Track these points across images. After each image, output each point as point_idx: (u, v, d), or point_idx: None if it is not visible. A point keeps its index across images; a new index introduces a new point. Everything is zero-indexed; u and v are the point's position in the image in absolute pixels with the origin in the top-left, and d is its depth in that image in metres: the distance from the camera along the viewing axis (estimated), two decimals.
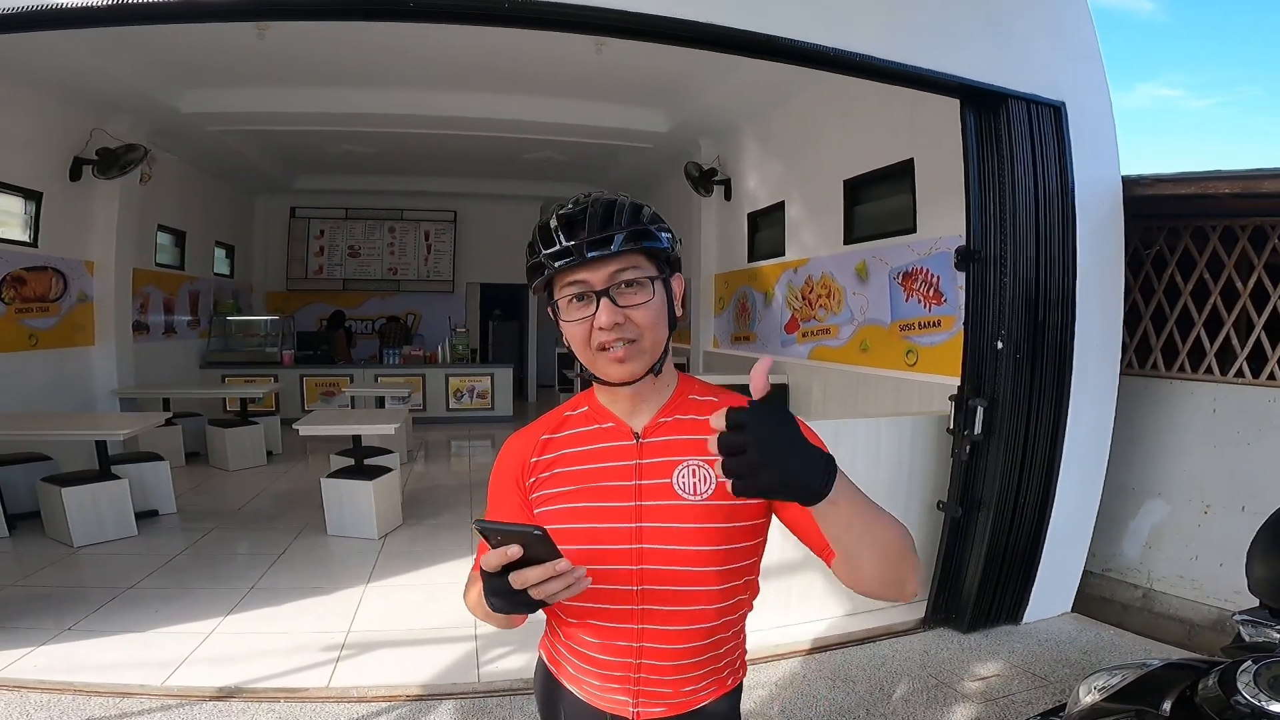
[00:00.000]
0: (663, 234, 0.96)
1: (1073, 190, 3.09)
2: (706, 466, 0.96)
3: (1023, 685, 2.79)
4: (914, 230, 4.14)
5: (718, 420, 0.69)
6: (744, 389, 0.78)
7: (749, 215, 6.23)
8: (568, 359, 9.18)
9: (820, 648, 3.09)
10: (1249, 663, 1.28)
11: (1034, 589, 3.29)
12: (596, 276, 0.92)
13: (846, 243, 4.79)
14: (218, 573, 3.84)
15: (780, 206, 5.68)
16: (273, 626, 3.21)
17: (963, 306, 3.24)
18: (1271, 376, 3.18)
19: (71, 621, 3.14)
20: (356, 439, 4.89)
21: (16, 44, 4.06)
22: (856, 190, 4.74)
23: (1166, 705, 1.34)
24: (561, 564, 0.79)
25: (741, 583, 0.99)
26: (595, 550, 0.95)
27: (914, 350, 4.16)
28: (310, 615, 3.34)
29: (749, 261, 6.24)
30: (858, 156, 4.63)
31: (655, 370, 0.97)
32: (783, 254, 5.63)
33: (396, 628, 3.22)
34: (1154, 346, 3.59)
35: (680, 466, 0.97)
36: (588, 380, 1.03)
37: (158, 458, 5.00)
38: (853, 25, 2.71)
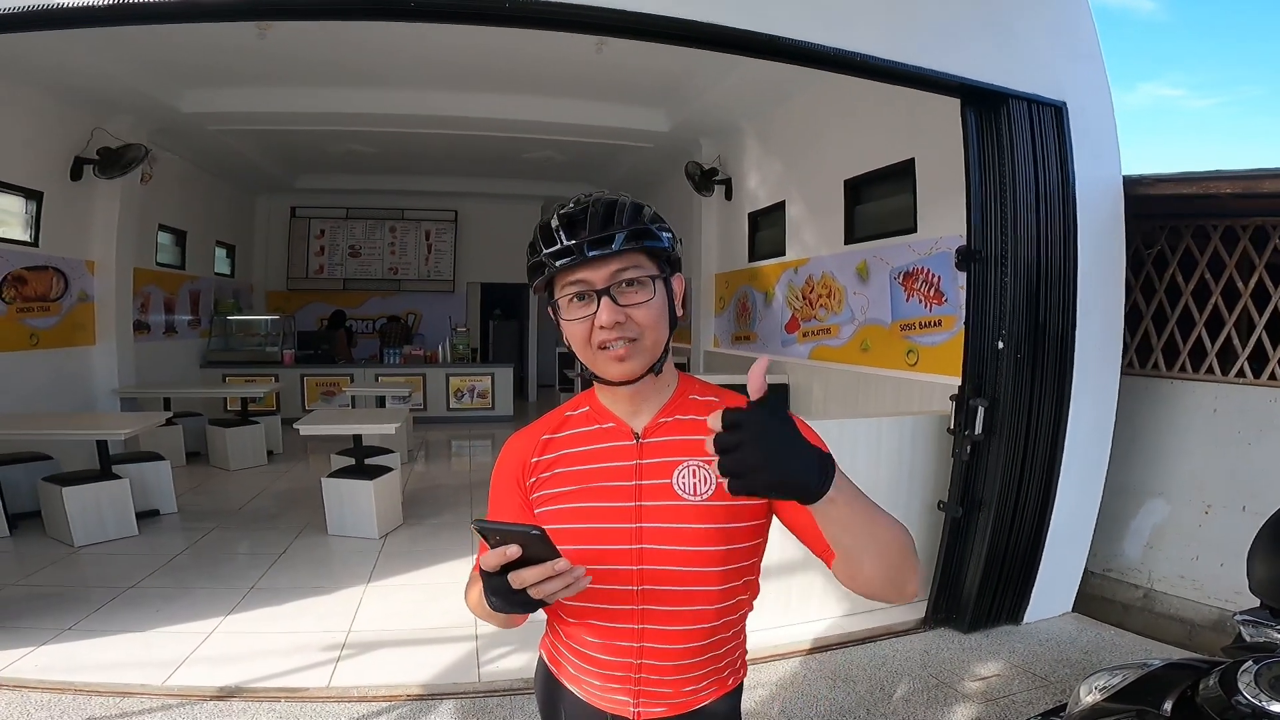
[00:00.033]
0: (664, 233, 0.97)
1: (1074, 190, 3.08)
2: (707, 467, 0.96)
3: (1023, 685, 2.79)
4: (915, 230, 4.13)
5: (715, 420, 0.70)
6: (744, 389, 0.79)
7: (749, 215, 6.22)
8: (568, 359, 9.18)
9: (821, 647, 3.09)
10: (1250, 663, 1.28)
11: (1035, 589, 3.29)
12: (597, 275, 0.92)
13: (847, 242, 4.79)
14: (218, 572, 3.84)
15: (781, 206, 5.68)
16: (273, 626, 3.21)
17: (963, 306, 3.24)
18: (1272, 376, 3.18)
19: (72, 621, 3.14)
20: (357, 439, 4.89)
21: (17, 44, 4.06)
22: (857, 190, 4.74)
23: (1167, 705, 1.34)
24: (560, 563, 0.79)
25: (741, 583, 0.98)
26: (596, 550, 0.95)
27: (915, 350, 4.16)
28: (311, 615, 3.34)
29: (749, 261, 6.24)
30: (858, 156, 4.63)
31: (656, 370, 0.97)
32: (783, 254, 5.63)
33: (397, 627, 3.23)
34: (1155, 346, 3.59)
35: (680, 467, 0.97)
36: (588, 380, 1.03)
37: (158, 457, 5.00)
38: (854, 25, 2.71)
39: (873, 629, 3.22)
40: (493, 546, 0.80)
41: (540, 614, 1.01)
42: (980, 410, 3.09)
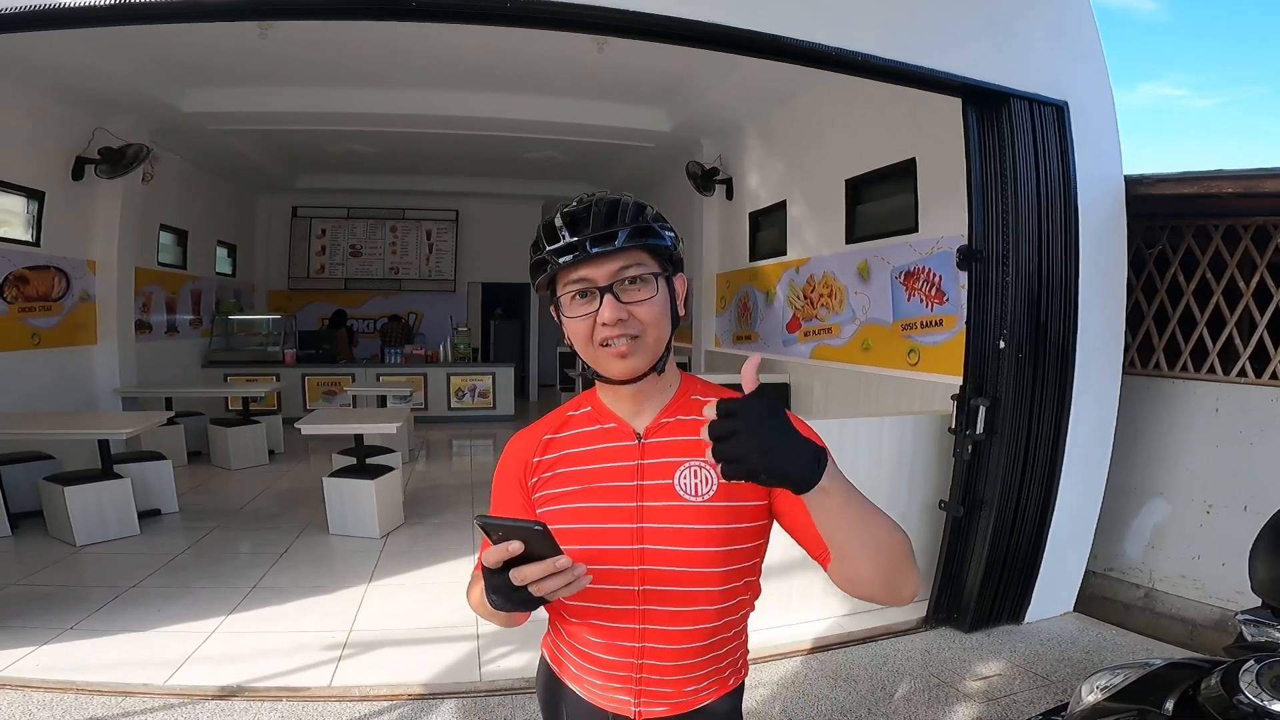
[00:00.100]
0: (666, 232, 0.97)
1: (1075, 189, 3.08)
2: (708, 468, 0.96)
3: (1025, 685, 2.79)
4: (916, 230, 4.13)
5: (710, 410, 0.72)
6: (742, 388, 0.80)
7: (750, 214, 6.22)
8: (569, 358, 9.18)
9: (822, 647, 3.09)
10: (1251, 662, 1.28)
11: (1036, 588, 3.29)
12: (600, 273, 0.92)
13: (848, 242, 4.78)
14: (220, 572, 3.85)
15: (782, 206, 5.68)
16: (275, 625, 3.22)
17: (965, 306, 3.24)
18: (1274, 376, 3.17)
19: (74, 620, 3.14)
20: (358, 438, 4.90)
21: (18, 44, 4.07)
22: (858, 189, 4.73)
23: (1169, 705, 1.34)
24: (562, 561, 0.79)
25: (743, 583, 0.99)
26: (597, 550, 0.95)
27: (916, 350, 4.15)
28: (312, 614, 3.35)
29: (750, 261, 6.24)
30: (860, 156, 4.63)
31: (658, 369, 0.97)
32: (784, 253, 5.63)
33: (398, 627, 3.23)
34: (1156, 346, 3.58)
35: (682, 467, 0.97)
36: (589, 379, 1.03)
37: (160, 457, 5.01)
38: (855, 25, 2.71)
39: (874, 628, 3.22)
40: (495, 542, 0.81)
41: (542, 613, 1.02)
42: (981, 410, 3.09)
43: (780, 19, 2.58)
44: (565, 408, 1.09)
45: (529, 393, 11.15)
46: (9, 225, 5.14)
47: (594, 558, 0.92)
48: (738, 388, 0.79)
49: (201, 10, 2.48)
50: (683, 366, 4.05)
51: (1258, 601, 1.55)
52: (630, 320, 0.92)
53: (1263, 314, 3.19)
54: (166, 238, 7.40)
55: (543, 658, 1.14)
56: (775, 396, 0.75)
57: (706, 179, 6.61)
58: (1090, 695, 1.50)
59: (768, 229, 5.98)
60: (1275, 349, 3.17)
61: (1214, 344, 3.37)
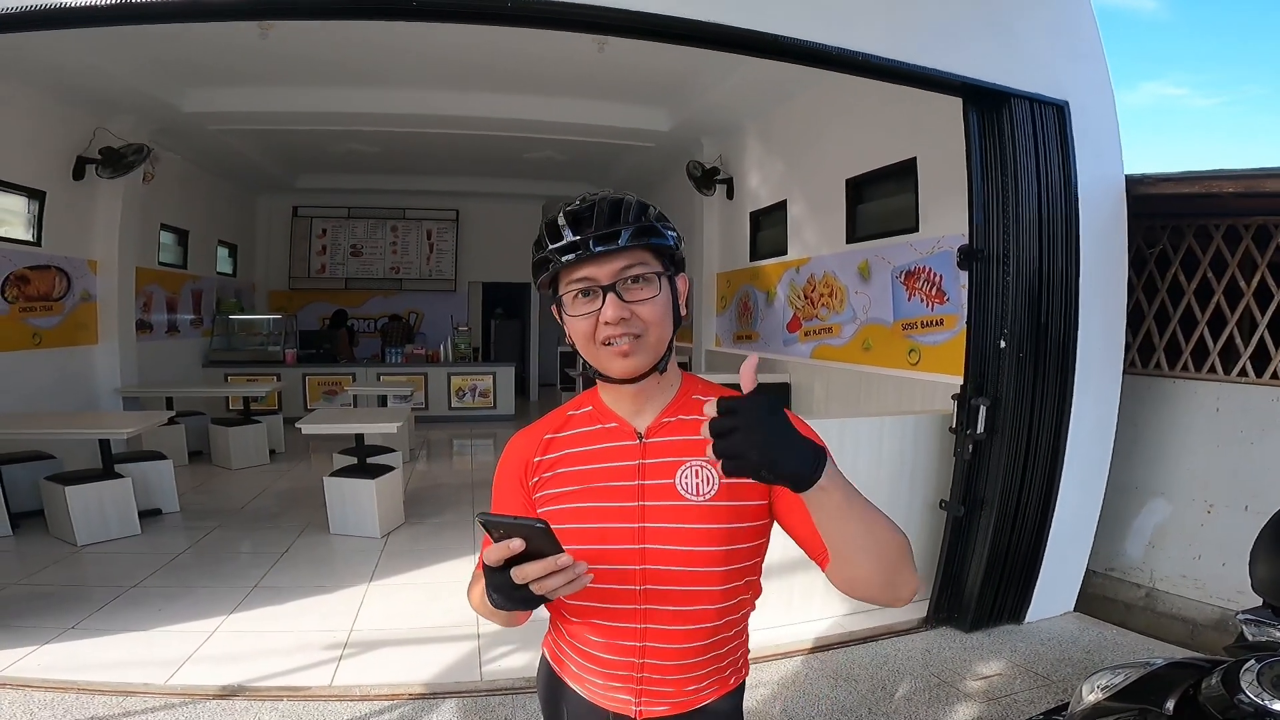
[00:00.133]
0: (669, 232, 0.97)
1: (1076, 189, 3.08)
2: (710, 467, 0.96)
3: (1025, 684, 2.79)
4: (916, 229, 4.13)
5: (711, 407, 0.73)
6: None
7: (751, 214, 6.22)
8: (570, 358, 9.19)
9: (822, 646, 3.09)
10: (1252, 662, 1.28)
11: (1036, 588, 3.29)
12: (603, 271, 0.92)
13: (849, 242, 4.78)
14: (220, 571, 3.85)
15: (782, 205, 5.68)
16: (275, 625, 3.22)
17: (965, 305, 3.24)
18: (1275, 376, 3.17)
19: (75, 620, 3.14)
20: (359, 438, 4.90)
21: (18, 44, 4.07)
22: (859, 189, 4.73)
23: (1170, 704, 1.34)
24: (563, 559, 0.80)
25: (744, 583, 0.99)
26: (599, 550, 0.95)
27: (916, 349, 4.15)
28: (313, 614, 3.35)
29: (751, 260, 6.24)
30: (860, 155, 4.63)
31: (660, 368, 0.97)
32: (785, 253, 5.63)
33: (399, 626, 3.23)
34: (1157, 345, 3.58)
35: (684, 467, 0.97)
36: (590, 379, 1.03)
37: (161, 456, 5.01)
38: (856, 24, 2.71)
39: (874, 628, 3.22)
40: (496, 540, 0.81)
41: (543, 613, 1.02)
42: (982, 409, 3.09)
43: (781, 19, 2.58)
44: (566, 407, 1.09)
45: (529, 392, 11.15)
46: (10, 225, 5.14)
47: (595, 557, 0.92)
48: (738, 387, 0.79)
49: (201, 10, 2.48)
50: (683, 366, 4.04)
51: (1258, 601, 1.54)
52: (633, 319, 0.92)
53: (1263, 314, 3.18)
54: (167, 237, 7.40)
55: (543, 657, 1.14)
56: (776, 395, 0.75)
57: (707, 179, 6.61)
58: (1091, 695, 1.50)
59: (768, 228, 5.98)
60: (1276, 348, 3.16)
61: (1215, 344, 3.37)
